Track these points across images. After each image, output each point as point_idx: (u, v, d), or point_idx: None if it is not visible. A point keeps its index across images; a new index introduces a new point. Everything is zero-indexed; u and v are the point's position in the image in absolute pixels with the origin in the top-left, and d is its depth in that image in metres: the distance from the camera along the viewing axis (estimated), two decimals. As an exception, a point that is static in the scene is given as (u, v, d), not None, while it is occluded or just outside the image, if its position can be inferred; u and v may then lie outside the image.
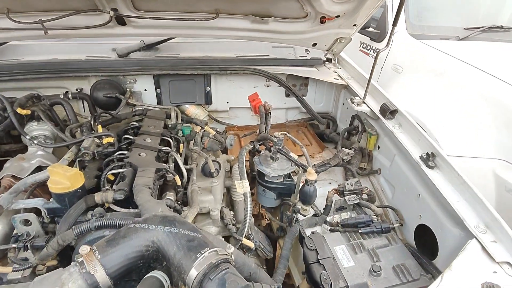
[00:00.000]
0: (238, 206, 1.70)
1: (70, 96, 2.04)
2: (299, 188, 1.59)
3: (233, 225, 1.52)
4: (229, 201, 1.79)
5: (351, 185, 1.64)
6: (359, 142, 2.02)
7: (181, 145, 1.81)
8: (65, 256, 1.17)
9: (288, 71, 2.25)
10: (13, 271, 1.13)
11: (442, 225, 1.33)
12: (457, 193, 1.31)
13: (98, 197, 1.23)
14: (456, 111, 2.87)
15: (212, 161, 1.61)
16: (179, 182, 1.52)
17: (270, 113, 1.89)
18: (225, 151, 1.98)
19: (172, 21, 1.81)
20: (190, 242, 0.97)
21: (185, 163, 1.75)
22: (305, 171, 1.60)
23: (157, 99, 2.17)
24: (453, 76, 3.05)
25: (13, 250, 1.21)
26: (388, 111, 1.73)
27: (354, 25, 1.97)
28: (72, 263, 0.91)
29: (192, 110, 2.18)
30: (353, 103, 1.93)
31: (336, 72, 2.34)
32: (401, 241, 1.56)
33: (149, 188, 1.27)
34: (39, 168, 1.57)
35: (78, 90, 2.08)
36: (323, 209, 1.67)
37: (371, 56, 3.98)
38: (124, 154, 1.53)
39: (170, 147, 1.78)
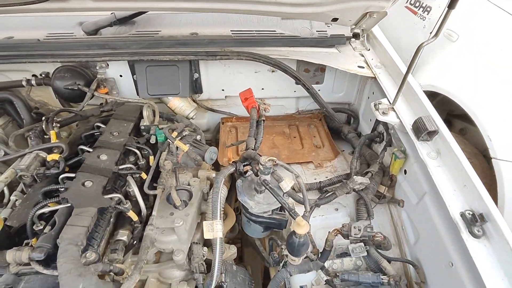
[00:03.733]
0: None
1: (34, 82, 1.72)
2: (287, 234, 1.23)
3: (201, 272, 1.22)
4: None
5: (359, 229, 1.24)
6: (383, 157, 1.56)
7: (151, 157, 1.47)
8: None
9: (299, 55, 1.73)
10: None
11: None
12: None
13: (9, 256, 0.95)
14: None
15: (179, 190, 1.27)
16: (135, 218, 1.22)
17: (263, 120, 1.46)
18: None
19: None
20: None
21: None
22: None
23: (136, 88, 1.79)
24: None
25: None
26: (425, 131, 1.23)
27: (392, -5, 1.38)
28: None
29: (176, 103, 1.79)
30: (377, 109, 1.43)
31: (362, 56, 1.78)
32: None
33: (77, 245, 0.97)
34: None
35: (43, 75, 1.75)
36: (321, 252, 1.31)
37: (420, 16, 3.16)
38: (71, 177, 1.23)
39: (138, 160, 1.45)
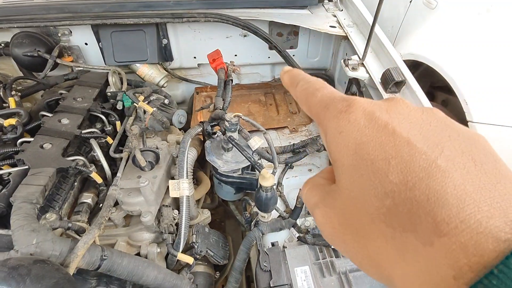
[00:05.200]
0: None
1: (-7, 53, 1.64)
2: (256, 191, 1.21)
3: (170, 233, 1.20)
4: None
5: (329, 184, 1.23)
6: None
7: (118, 123, 1.43)
8: None
9: (270, 16, 1.68)
10: None
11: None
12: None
13: (-41, 217, 0.92)
14: (502, 65, 2.20)
15: (144, 151, 1.24)
16: (99, 180, 1.19)
17: (231, 80, 1.42)
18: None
19: None
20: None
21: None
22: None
23: (102, 56, 1.73)
24: (506, 15, 2.28)
25: None
26: (392, 82, 1.22)
27: None
28: None
29: (145, 71, 1.73)
30: (347, 65, 1.40)
31: (335, 16, 1.74)
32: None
33: (32, 203, 0.94)
34: None
35: (3, 44, 1.67)
36: (292, 210, 1.31)
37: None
38: (30, 142, 1.18)
39: (104, 126, 1.41)
